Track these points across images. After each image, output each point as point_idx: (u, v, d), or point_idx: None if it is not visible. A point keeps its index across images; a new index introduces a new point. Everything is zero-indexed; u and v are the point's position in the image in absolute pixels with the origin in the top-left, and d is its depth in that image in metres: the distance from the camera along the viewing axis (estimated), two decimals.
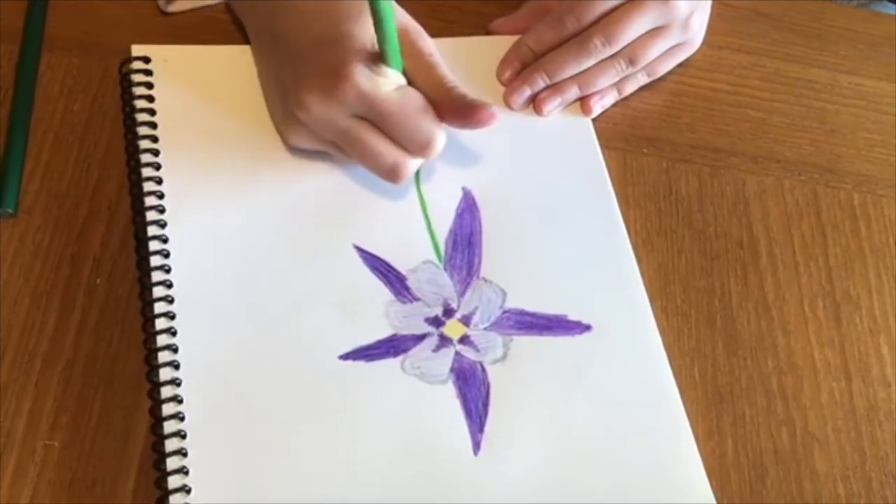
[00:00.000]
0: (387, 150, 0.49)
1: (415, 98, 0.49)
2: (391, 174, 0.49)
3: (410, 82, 0.49)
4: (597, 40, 0.57)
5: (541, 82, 0.58)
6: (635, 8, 0.57)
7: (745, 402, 0.51)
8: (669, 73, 0.61)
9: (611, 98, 0.59)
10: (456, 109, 0.49)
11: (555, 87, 0.58)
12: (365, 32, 0.48)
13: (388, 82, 0.48)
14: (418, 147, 0.49)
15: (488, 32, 0.61)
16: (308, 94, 0.48)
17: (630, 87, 0.60)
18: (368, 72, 0.47)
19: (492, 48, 0.60)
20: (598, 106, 0.59)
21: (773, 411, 0.51)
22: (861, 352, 0.54)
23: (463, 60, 0.58)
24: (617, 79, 0.59)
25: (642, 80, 0.60)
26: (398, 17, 0.50)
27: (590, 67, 0.58)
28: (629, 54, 0.58)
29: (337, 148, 0.50)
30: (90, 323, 0.47)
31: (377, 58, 0.48)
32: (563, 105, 0.58)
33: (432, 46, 0.50)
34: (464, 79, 0.55)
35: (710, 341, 0.53)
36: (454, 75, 0.50)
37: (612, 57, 0.58)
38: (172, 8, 0.57)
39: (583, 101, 0.59)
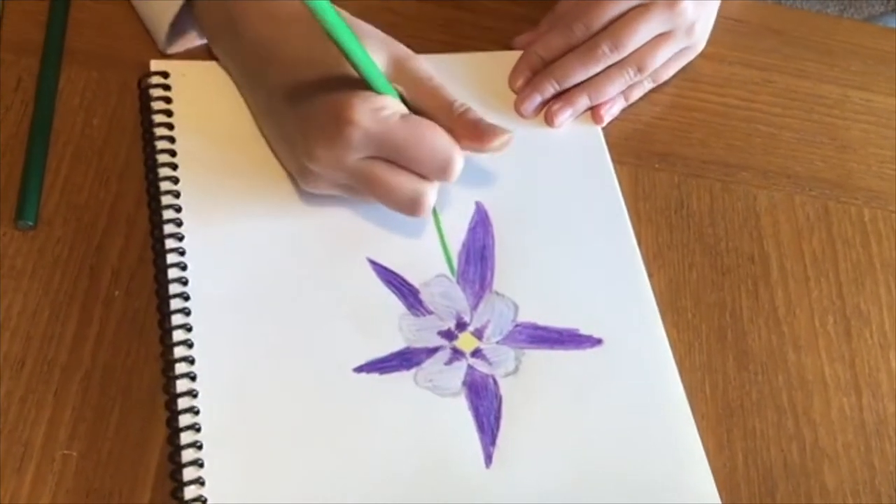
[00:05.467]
0: (404, 183, 0.48)
1: (422, 121, 0.48)
2: (412, 207, 0.49)
3: (416, 110, 0.49)
4: (605, 46, 0.58)
5: (550, 89, 0.59)
6: (642, 14, 0.58)
7: (756, 416, 0.51)
8: (680, 87, 0.62)
9: (619, 106, 0.60)
10: (472, 131, 0.49)
11: (565, 99, 0.59)
12: (351, 70, 0.47)
13: (390, 113, 0.47)
14: (438, 170, 0.48)
15: (510, 48, 0.61)
16: (315, 146, 0.47)
17: (636, 94, 0.61)
18: (368, 108, 0.46)
19: (508, 63, 0.60)
20: (609, 115, 0.60)
21: (784, 426, 0.51)
22: (871, 367, 0.54)
23: (478, 75, 0.59)
24: (625, 86, 0.60)
25: (648, 86, 0.61)
26: (389, 47, 0.49)
27: (599, 76, 0.58)
28: (637, 61, 0.59)
29: (354, 191, 0.50)
30: (108, 334, 0.48)
31: (371, 91, 0.47)
32: (573, 116, 0.59)
33: (431, 70, 0.50)
34: (480, 94, 0.56)
35: (721, 356, 0.53)
36: (461, 96, 0.50)
37: (620, 65, 0.58)
38: (171, 50, 0.56)
39: (593, 111, 0.59)
